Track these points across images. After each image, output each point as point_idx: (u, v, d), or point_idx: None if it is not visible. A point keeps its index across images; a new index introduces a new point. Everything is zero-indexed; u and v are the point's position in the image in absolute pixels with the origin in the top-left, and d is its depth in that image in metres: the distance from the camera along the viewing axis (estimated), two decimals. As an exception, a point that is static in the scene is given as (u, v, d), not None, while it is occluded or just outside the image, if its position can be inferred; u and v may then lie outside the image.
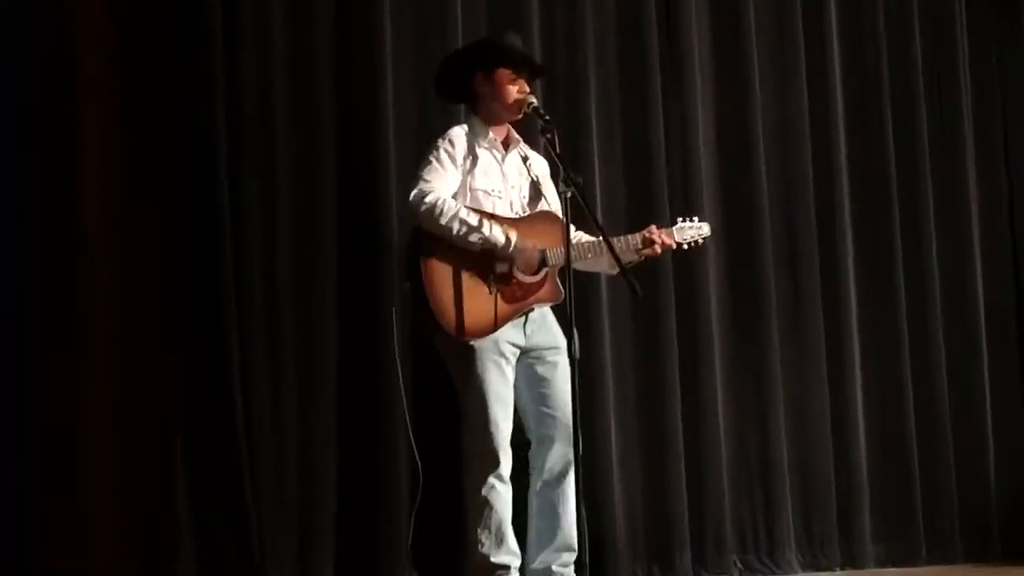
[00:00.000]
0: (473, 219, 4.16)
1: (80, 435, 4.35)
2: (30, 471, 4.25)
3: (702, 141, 5.76)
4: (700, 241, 4.56)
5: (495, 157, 4.36)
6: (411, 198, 4.19)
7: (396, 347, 4.32)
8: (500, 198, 4.32)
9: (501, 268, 4.21)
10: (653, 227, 4.43)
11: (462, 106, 4.65)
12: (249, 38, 4.79)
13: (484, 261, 4.20)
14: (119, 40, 4.53)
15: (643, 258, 4.43)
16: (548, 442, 4.28)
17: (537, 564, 4.29)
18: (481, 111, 4.39)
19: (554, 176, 4.35)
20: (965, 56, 6.53)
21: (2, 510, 4.18)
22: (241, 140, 4.72)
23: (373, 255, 4.87)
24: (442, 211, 4.14)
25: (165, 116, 4.57)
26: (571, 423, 4.14)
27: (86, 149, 4.46)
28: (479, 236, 4.16)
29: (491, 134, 4.37)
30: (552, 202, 4.36)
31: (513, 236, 4.20)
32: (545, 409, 4.29)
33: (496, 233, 4.18)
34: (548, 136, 4.15)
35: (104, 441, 4.37)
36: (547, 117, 4.21)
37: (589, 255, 4.35)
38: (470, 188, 4.27)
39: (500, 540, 4.17)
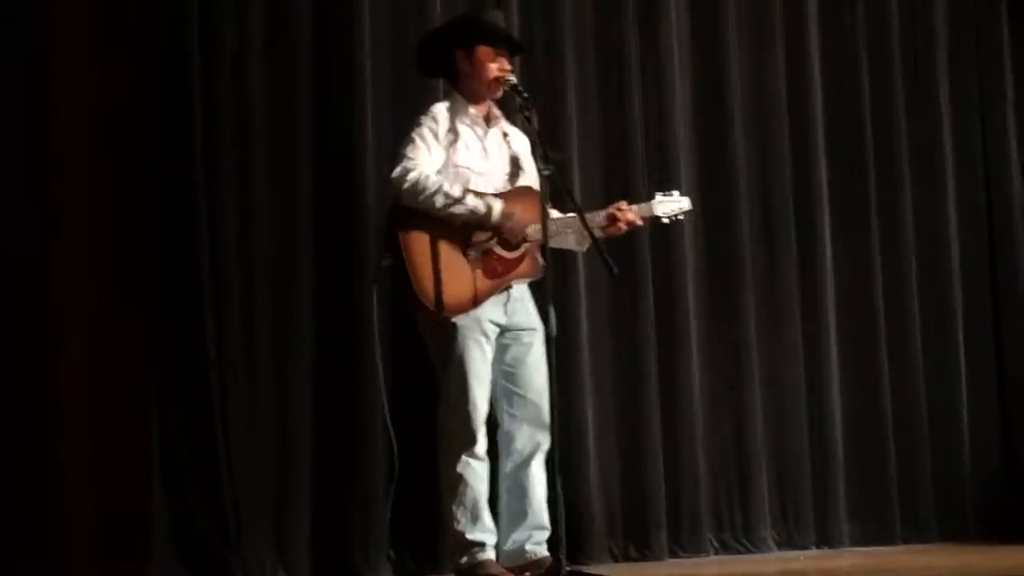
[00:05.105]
0: (456, 192, 4.14)
1: (58, 418, 4.36)
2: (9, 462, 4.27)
3: (679, 113, 5.73)
4: (680, 216, 4.48)
5: (477, 134, 4.33)
6: (394, 176, 4.16)
7: (375, 325, 4.27)
8: (482, 175, 4.28)
9: (481, 243, 4.18)
10: (623, 203, 4.35)
11: (439, 81, 4.61)
12: (227, 13, 4.76)
13: (464, 236, 4.17)
14: (96, 33, 4.52)
15: (606, 236, 4.30)
16: (518, 424, 4.26)
17: (509, 544, 4.27)
18: (462, 88, 4.36)
19: (533, 151, 4.32)
20: (943, 20, 6.49)
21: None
22: (217, 114, 4.69)
23: (351, 233, 4.84)
24: (425, 187, 4.12)
25: (141, 100, 4.56)
26: (542, 405, 4.18)
27: (64, 144, 4.45)
28: (463, 208, 4.13)
29: (472, 110, 4.34)
30: (531, 177, 4.32)
31: (497, 205, 4.17)
32: (516, 390, 4.27)
33: (479, 204, 4.15)
34: (526, 114, 4.12)
35: (82, 423, 4.39)
36: (525, 95, 4.17)
37: (566, 230, 4.31)
38: (452, 165, 4.24)
39: (475, 517, 4.15)
